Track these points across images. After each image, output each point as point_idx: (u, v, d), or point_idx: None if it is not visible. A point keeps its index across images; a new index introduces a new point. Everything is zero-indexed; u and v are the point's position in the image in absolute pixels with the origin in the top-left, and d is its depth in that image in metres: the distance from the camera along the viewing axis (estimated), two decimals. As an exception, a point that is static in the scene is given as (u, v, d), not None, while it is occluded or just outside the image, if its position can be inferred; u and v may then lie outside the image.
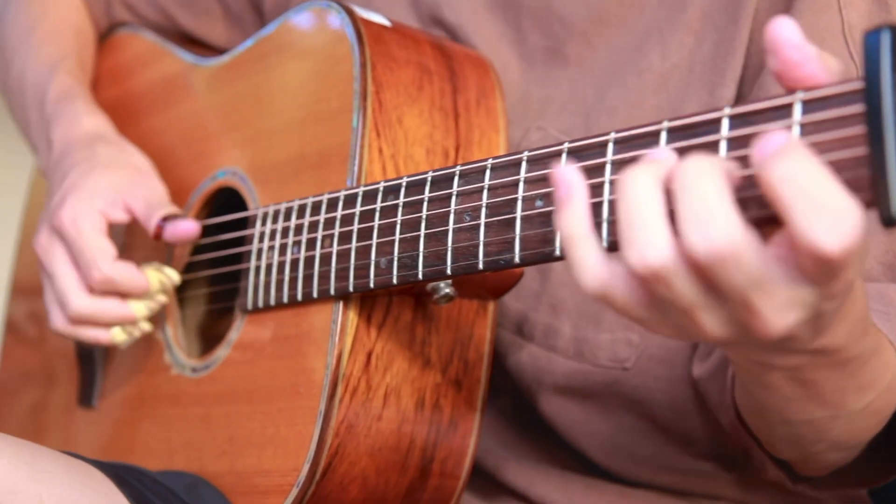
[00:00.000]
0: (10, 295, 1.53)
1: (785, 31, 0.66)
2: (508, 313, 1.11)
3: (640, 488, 1.13)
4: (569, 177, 0.71)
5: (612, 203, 0.74)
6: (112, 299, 1.13)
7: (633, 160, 0.74)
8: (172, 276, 1.16)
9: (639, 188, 0.67)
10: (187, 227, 1.15)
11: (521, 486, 1.15)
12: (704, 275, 0.66)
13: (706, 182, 0.65)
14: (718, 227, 0.64)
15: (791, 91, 0.67)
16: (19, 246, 1.54)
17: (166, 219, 1.15)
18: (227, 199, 1.19)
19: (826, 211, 0.62)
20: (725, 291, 0.66)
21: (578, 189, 0.70)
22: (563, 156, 0.80)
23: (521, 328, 1.11)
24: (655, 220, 0.66)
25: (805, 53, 0.66)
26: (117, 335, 1.15)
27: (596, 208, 0.75)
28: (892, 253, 0.96)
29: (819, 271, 0.64)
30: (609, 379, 1.07)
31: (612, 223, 0.75)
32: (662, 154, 0.69)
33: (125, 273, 1.13)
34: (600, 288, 0.70)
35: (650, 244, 0.66)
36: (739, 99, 1.02)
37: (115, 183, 1.17)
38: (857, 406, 0.84)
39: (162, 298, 1.16)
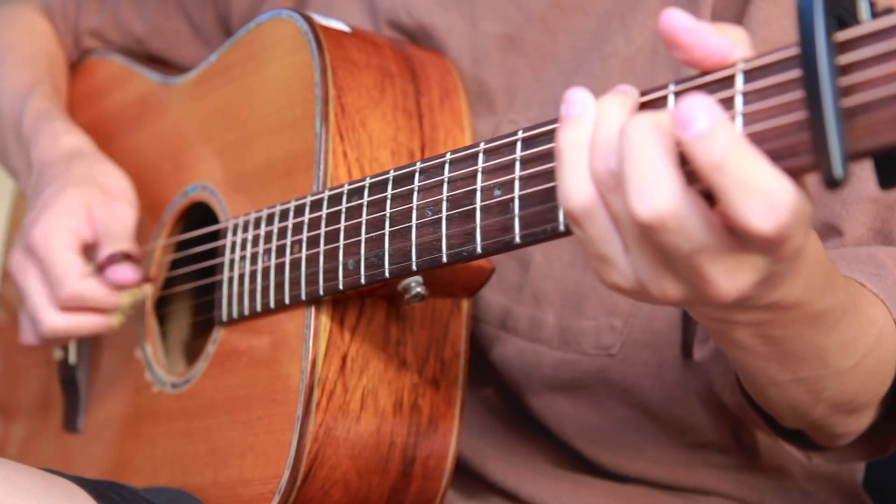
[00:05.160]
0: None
1: (674, 20, 0.67)
2: (490, 308, 1.11)
3: (630, 484, 1.13)
4: (580, 97, 0.71)
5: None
6: (85, 314, 1.14)
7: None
8: (146, 290, 1.16)
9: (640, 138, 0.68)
10: (124, 276, 1.14)
11: (510, 486, 1.15)
12: (649, 238, 0.67)
13: (649, 147, 0.66)
14: (660, 197, 0.65)
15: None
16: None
17: (112, 258, 1.14)
18: (203, 214, 1.20)
19: (757, 195, 0.63)
20: (671, 256, 0.67)
21: (589, 110, 0.71)
22: (518, 144, 0.81)
23: (505, 322, 1.11)
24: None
25: (701, 32, 0.67)
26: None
27: (551, 192, 0.76)
28: (880, 219, 0.96)
29: (761, 246, 0.65)
30: (596, 367, 1.08)
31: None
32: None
33: (94, 290, 1.13)
34: (584, 206, 0.70)
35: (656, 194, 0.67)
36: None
37: (86, 201, 1.17)
38: (844, 364, 0.85)
39: (147, 290, 1.17)
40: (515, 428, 1.17)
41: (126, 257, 1.14)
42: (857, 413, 0.92)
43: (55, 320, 1.13)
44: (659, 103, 0.71)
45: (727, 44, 0.67)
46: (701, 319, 0.81)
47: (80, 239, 1.15)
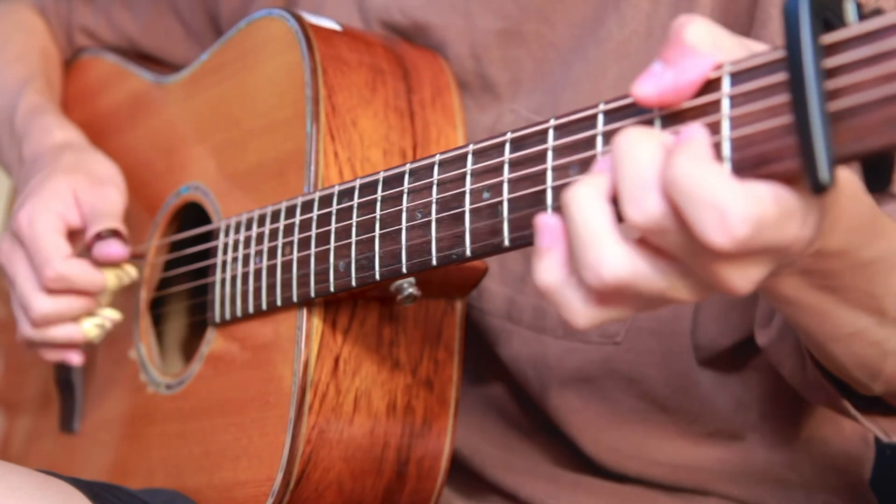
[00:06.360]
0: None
1: (643, 92, 0.68)
2: (495, 299, 1.11)
3: (628, 484, 1.13)
4: (552, 225, 0.69)
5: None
6: (73, 296, 1.13)
7: (571, 145, 0.74)
8: (130, 271, 1.16)
9: (582, 207, 0.67)
10: (112, 251, 1.13)
11: (509, 486, 1.15)
12: (653, 243, 0.66)
13: (639, 154, 0.65)
14: (652, 202, 0.64)
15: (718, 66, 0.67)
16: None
17: (100, 235, 1.13)
18: (197, 214, 1.19)
19: (707, 208, 0.62)
20: (678, 257, 0.66)
21: (559, 239, 0.69)
22: (507, 146, 0.80)
23: (510, 313, 1.10)
24: (603, 234, 0.67)
25: (675, 82, 0.67)
26: (89, 331, 1.15)
27: (539, 195, 0.76)
28: None
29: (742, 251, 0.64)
30: (602, 356, 1.07)
31: (558, 209, 0.75)
32: (605, 165, 0.69)
33: (79, 270, 1.12)
34: (593, 323, 0.70)
35: (604, 260, 0.66)
36: None
37: (72, 186, 1.16)
38: None
39: (132, 271, 1.16)
40: (516, 426, 1.16)
41: (114, 234, 1.14)
42: None
43: (43, 304, 1.12)
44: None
45: (701, 67, 0.66)
46: None
47: (65, 222, 1.14)
